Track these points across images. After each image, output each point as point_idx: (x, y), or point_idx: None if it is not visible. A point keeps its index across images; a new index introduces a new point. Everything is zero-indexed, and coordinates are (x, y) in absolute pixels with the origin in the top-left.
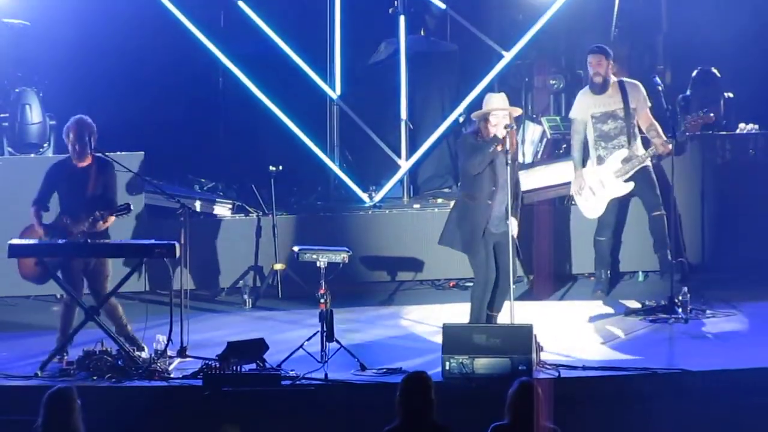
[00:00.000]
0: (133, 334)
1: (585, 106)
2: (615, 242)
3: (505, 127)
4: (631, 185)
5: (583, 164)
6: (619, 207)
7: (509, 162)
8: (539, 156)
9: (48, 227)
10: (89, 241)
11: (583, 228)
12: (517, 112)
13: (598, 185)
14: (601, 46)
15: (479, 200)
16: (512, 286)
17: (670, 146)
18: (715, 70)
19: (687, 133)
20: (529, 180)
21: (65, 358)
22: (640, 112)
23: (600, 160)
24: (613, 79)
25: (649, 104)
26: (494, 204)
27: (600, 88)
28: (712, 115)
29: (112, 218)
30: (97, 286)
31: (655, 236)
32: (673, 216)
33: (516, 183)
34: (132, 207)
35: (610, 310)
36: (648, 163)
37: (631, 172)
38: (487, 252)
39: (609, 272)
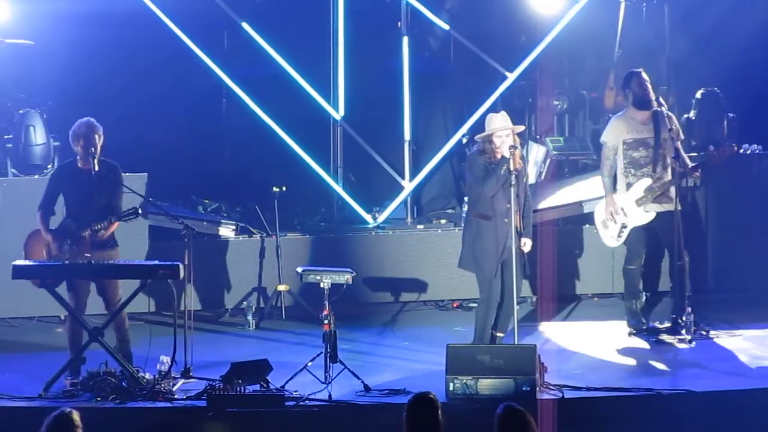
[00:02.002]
0: (130, 352)
1: (618, 132)
2: (645, 270)
3: (510, 148)
4: (651, 215)
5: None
6: (647, 236)
7: (513, 183)
8: (543, 176)
9: (55, 233)
10: (94, 250)
11: (587, 249)
12: (520, 128)
13: (621, 213)
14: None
15: (495, 219)
16: (516, 307)
17: (697, 174)
18: (718, 91)
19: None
20: (534, 201)
21: (78, 377)
22: (670, 144)
23: (629, 187)
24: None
25: (682, 137)
26: (510, 222)
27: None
28: (735, 146)
29: (116, 223)
30: (108, 294)
31: (675, 283)
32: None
33: (526, 199)
34: (140, 210)
35: (613, 330)
36: (674, 206)
37: (652, 202)
38: (498, 270)
39: (642, 302)
